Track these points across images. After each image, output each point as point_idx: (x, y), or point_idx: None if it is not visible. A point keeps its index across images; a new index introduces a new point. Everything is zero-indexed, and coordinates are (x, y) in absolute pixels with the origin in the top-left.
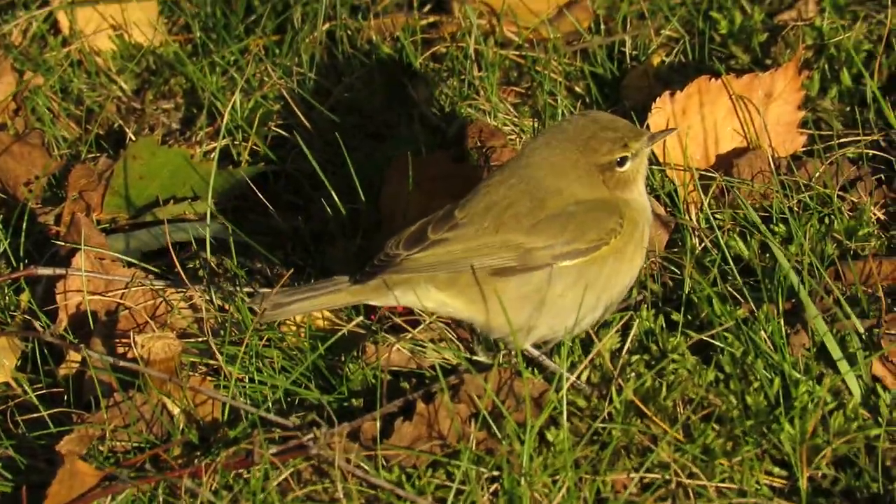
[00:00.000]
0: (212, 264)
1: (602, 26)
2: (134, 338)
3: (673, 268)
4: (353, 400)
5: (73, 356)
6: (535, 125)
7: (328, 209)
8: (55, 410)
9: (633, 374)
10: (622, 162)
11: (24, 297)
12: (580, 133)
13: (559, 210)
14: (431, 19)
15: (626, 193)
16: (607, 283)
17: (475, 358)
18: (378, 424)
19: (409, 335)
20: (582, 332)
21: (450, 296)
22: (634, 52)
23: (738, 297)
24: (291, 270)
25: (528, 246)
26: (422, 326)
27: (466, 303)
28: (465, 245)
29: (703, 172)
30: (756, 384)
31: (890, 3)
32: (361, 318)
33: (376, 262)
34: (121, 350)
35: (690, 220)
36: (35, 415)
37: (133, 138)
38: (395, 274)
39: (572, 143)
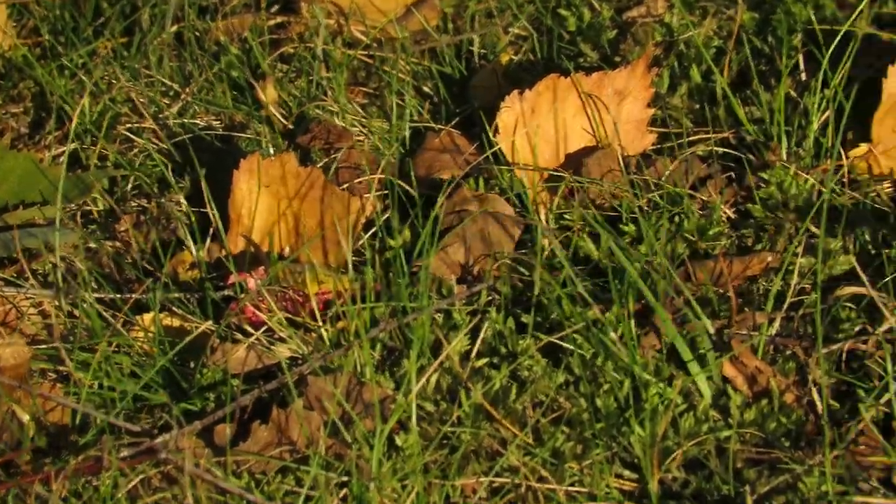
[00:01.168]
0: (61, 270)
1: (450, 25)
2: None
3: (522, 269)
4: (204, 403)
5: None
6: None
7: (177, 212)
8: None
9: (482, 377)
10: None
11: None
12: None
13: None
14: (279, 20)
15: None
16: None
17: None
18: (228, 429)
19: (257, 335)
20: None
21: None
22: (483, 51)
23: (589, 298)
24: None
25: None
26: (264, 328)
27: None
28: None
29: (552, 172)
30: (606, 386)
31: None
32: (210, 321)
33: None
34: None
35: (540, 220)
36: None
37: None
38: None
39: None
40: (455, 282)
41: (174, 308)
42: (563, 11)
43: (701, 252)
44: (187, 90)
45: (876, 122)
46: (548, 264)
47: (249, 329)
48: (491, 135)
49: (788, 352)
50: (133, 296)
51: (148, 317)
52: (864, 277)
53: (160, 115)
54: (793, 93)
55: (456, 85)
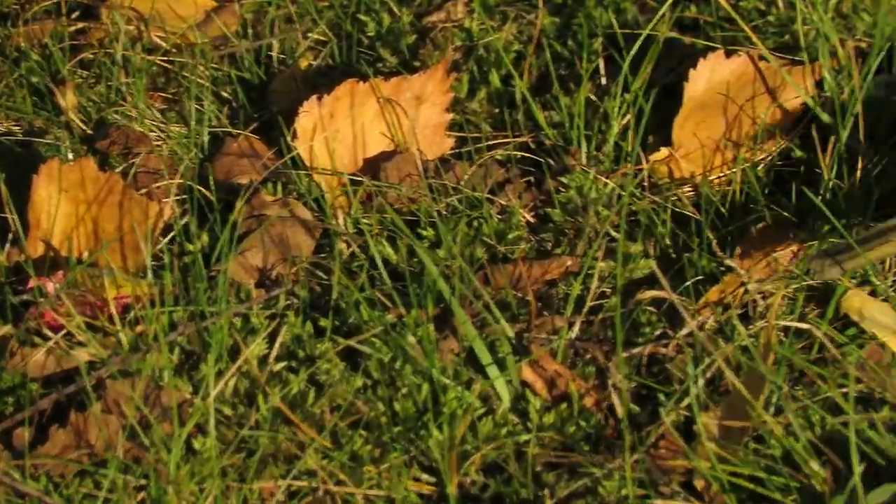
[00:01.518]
0: None
1: (250, 30)
2: None
3: (321, 273)
4: (2, 406)
5: None
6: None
7: None
8: None
9: (280, 380)
10: None
11: None
12: None
13: None
14: (80, 25)
15: None
16: None
17: None
18: (27, 432)
19: (56, 339)
20: None
21: None
22: (282, 56)
23: (387, 302)
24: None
25: None
26: (63, 332)
27: None
28: None
29: (350, 177)
30: (404, 390)
31: (541, 3)
32: (9, 326)
33: None
34: None
35: (338, 224)
36: None
37: None
38: None
39: None
40: (253, 286)
41: None
42: (362, 16)
43: (500, 256)
44: None
45: (677, 126)
46: (346, 268)
47: (48, 333)
48: (289, 139)
49: (588, 356)
50: None
51: None
52: (664, 281)
53: None
54: (593, 97)
55: (255, 90)
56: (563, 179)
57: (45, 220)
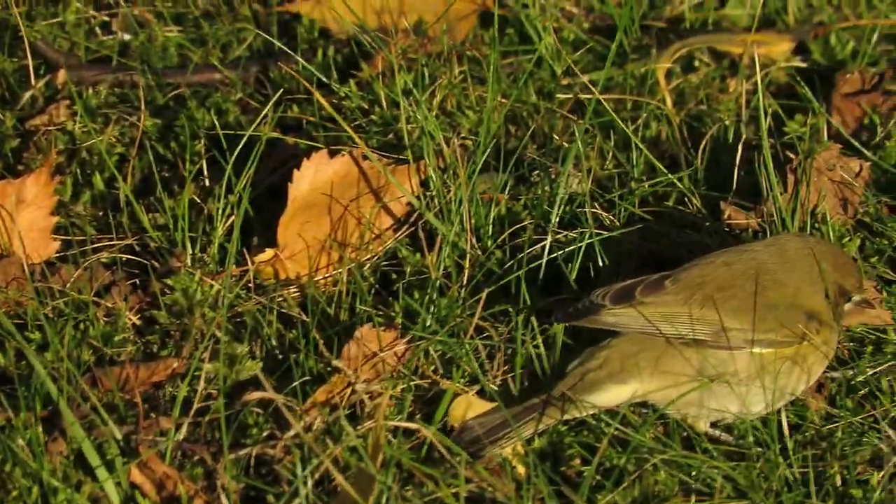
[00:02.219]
0: None
1: None
2: None
3: None
4: None
5: None
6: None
7: None
8: None
9: None
10: (850, 300)
11: None
12: (839, 254)
13: (772, 302)
14: None
15: (835, 324)
16: (787, 380)
17: None
18: None
19: None
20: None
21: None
22: None
23: None
24: None
25: (725, 325)
26: None
27: (649, 371)
28: (665, 310)
29: None
30: (15, 493)
31: (142, 105)
32: None
33: (580, 307)
34: None
35: None
36: None
37: None
38: (592, 323)
39: (829, 255)
40: None
41: None
42: None
43: (107, 358)
44: None
45: (282, 226)
46: None
47: None
48: None
49: (196, 457)
50: None
51: None
52: (266, 383)
53: None
54: (197, 199)
55: None
56: (169, 281)
57: None
